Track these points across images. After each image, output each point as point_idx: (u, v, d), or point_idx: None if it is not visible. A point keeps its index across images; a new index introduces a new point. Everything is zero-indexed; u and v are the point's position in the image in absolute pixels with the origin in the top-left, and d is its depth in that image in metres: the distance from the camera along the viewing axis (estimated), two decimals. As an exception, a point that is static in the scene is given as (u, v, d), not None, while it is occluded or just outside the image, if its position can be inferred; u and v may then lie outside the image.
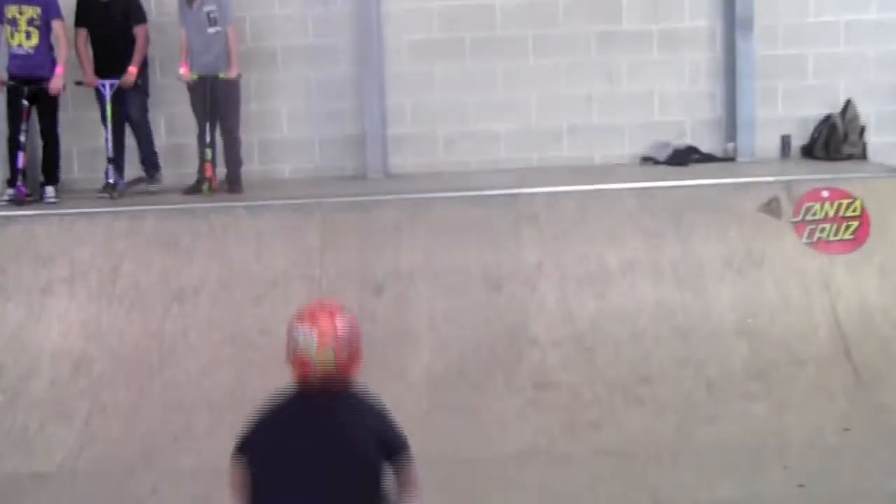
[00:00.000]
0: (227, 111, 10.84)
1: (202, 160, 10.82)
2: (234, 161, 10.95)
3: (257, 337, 8.91)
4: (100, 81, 10.89)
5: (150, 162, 11.31)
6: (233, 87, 10.82)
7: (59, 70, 10.65)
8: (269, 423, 4.17)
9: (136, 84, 10.94)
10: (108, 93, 10.84)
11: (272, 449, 4.07)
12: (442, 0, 11.69)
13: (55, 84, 10.61)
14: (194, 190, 10.81)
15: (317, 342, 4.05)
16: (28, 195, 10.68)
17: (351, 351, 4.15)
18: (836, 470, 7.39)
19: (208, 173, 10.76)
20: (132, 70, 10.89)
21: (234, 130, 10.93)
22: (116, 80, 10.85)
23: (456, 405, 8.34)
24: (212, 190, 10.73)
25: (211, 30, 10.67)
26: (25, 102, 10.53)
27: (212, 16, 10.65)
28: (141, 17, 11.07)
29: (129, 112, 11.08)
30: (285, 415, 4.16)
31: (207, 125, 10.77)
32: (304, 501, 3.97)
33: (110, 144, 10.89)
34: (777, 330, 8.80)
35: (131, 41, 10.99)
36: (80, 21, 10.98)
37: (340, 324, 4.14)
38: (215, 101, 10.75)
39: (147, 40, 11.08)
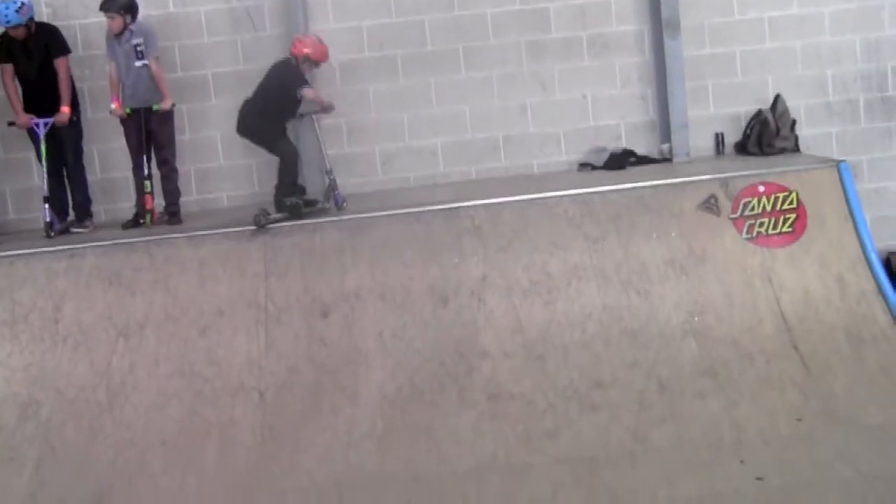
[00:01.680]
0: (162, 142, 10.77)
1: (140, 193, 10.72)
2: (171, 192, 10.86)
3: (206, 368, 8.88)
4: (33, 121, 10.74)
5: (82, 208, 11.10)
6: (167, 117, 10.75)
7: None
8: None
9: (70, 121, 10.80)
10: (41, 132, 10.69)
11: None
12: (371, 19, 11.70)
13: None
14: (134, 223, 10.70)
15: None
16: None
17: None
18: (792, 461, 7.51)
19: (148, 205, 10.67)
20: (65, 110, 10.74)
21: (171, 161, 10.86)
22: (50, 119, 10.70)
23: (411, 423, 8.35)
24: (153, 222, 10.62)
25: (139, 63, 10.60)
26: None
27: (139, 49, 10.57)
28: (62, 49, 10.87)
29: (64, 154, 10.90)
30: None
31: (144, 157, 10.66)
32: None
33: (45, 184, 10.73)
34: (724, 326, 8.90)
35: (56, 75, 10.84)
36: (2, 57, 10.82)
37: None
38: (150, 133, 10.68)
39: (69, 73, 10.90)
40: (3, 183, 11.35)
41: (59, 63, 10.81)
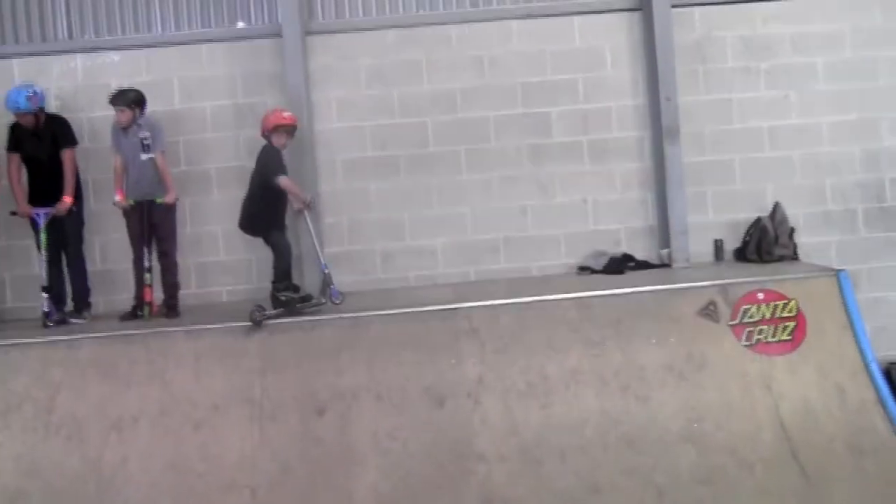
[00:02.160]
0: (164, 235, 10.81)
1: (140, 285, 10.72)
2: (171, 285, 10.85)
3: (199, 463, 8.80)
4: (34, 210, 10.79)
5: (81, 298, 11.12)
6: (170, 211, 10.82)
7: None
8: None
9: (70, 211, 10.85)
10: (42, 222, 10.75)
11: None
12: (374, 119, 11.84)
13: None
14: (132, 315, 10.69)
15: None
16: None
17: None
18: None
19: (147, 297, 10.66)
20: (67, 200, 10.83)
21: (171, 254, 10.88)
22: (51, 209, 10.76)
23: (405, 525, 8.25)
24: (151, 314, 10.61)
25: (144, 156, 10.69)
26: None
27: (145, 142, 10.68)
28: (69, 141, 11.03)
29: (64, 243, 10.95)
30: None
31: (145, 250, 10.69)
32: None
33: (45, 273, 10.74)
34: (722, 434, 8.82)
35: (62, 166, 10.93)
36: (11, 146, 10.92)
37: None
38: (152, 226, 10.73)
39: (75, 164, 11.02)
40: (3, 270, 11.37)
41: (66, 154, 10.93)
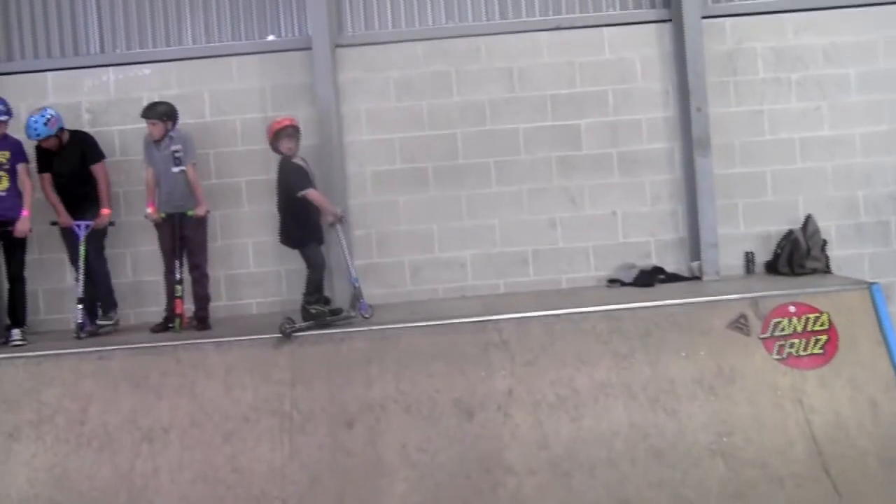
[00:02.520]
0: (195, 247, 10.87)
1: (171, 297, 10.79)
2: (202, 297, 10.91)
3: (229, 475, 8.83)
4: (75, 223, 10.87)
5: (107, 300, 11.17)
6: (201, 223, 10.88)
7: (25, 213, 10.66)
8: None
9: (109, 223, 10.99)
10: (82, 234, 10.81)
11: None
12: (403, 132, 11.86)
13: (22, 226, 10.61)
14: (163, 327, 10.75)
15: None
16: None
17: None
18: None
19: (178, 310, 10.71)
20: (105, 212, 10.97)
21: (203, 266, 10.94)
22: (91, 222, 10.86)
23: (433, 537, 8.25)
24: (182, 326, 10.66)
25: (176, 169, 10.77)
26: None
27: (177, 155, 10.75)
28: (98, 156, 11.13)
29: (87, 251, 10.99)
30: None
31: (176, 262, 10.75)
32: None
33: (81, 285, 10.80)
34: (752, 448, 8.77)
35: (90, 181, 11.03)
36: (41, 167, 11.01)
37: None
38: (184, 238, 10.78)
39: (107, 176, 11.15)
40: (36, 283, 11.40)
41: (97, 169, 11.05)
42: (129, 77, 11.90)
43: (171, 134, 10.84)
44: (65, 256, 11.16)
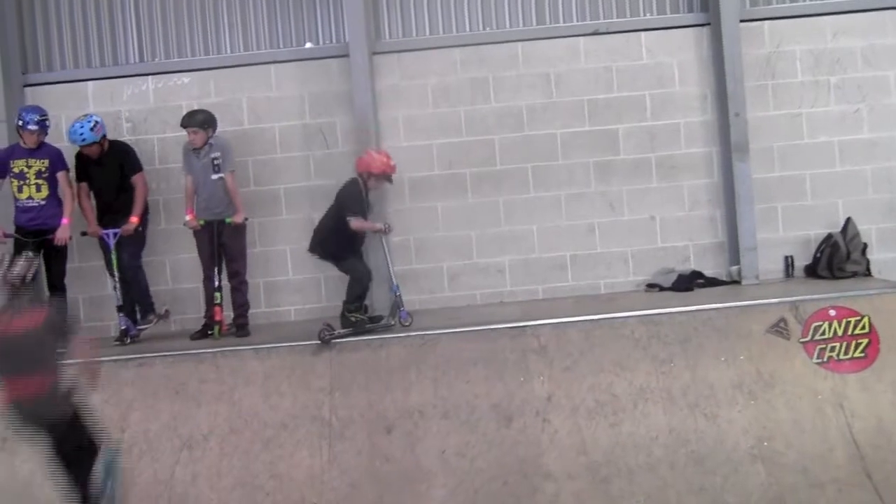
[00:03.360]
0: (233, 254, 10.94)
1: (210, 304, 10.86)
2: (241, 304, 10.98)
3: (268, 481, 8.89)
4: (103, 231, 10.97)
5: (144, 304, 11.24)
6: (239, 230, 10.94)
7: (65, 220, 10.76)
8: None
9: (136, 230, 11.02)
10: (111, 242, 10.91)
11: None
12: (441, 138, 11.87)
13: (62, 234, 10.71)
14: (203, 334, 10.82)
15: None
16: None
17: None
18: None
19: (217, 317, 10.77)
20: (133, 220, 11.00)
21: (241, 273, 11.00)
22: (119, 230, 10.93)
23: (473, 543, 8.25)
24: (221, 333, 10.72)
25: (215, 176, 10.84)
26: (30, 254, 10.65)
27: (216, 162, 10.82)
28: (136, 167, 11.20)
29: (120, 257, 11.07)
30: None
31: (215, 269, 10.82)
32: None
33: (119, 293, 10.92)
34: (793, 453, 8.72)
35: (127, 191, 11.10)
36: (79, 177, 11.12)
37: None
38: (222, 245, 10.86)
39: (146, 187, 11.22)
40: (77, 291, 11.51)
41: (137, 179, 11.14)
42: (168, 86, 11.97)
43: (211, 142, 10.91)
44: (102, 265, 11.23)
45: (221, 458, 9.07)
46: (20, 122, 10.74)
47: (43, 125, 10.85)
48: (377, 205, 11.26)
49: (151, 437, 9.24)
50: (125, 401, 9.45)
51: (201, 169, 10.91)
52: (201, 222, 10.85)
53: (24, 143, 10.77)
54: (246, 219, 10.98)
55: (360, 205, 10.52)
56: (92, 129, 10.84)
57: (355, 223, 10.38)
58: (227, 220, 10.81)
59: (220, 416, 9.33)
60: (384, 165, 10.67)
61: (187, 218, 10.93)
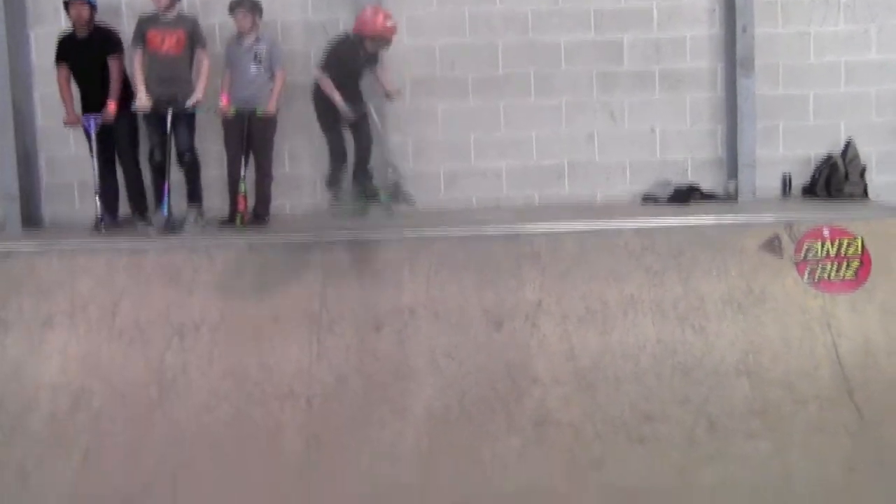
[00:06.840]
0: (261, 147, 10.88)
1: (234, 193, 10.84)
2: (263, 196, 10.98)
3: (257, 372, 8.91)
4: (83, 117, 10.89)
5: (136, 203, 11.23)
6: (269, 124, 10.87)
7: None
8: None
9: (118, 118, 10.85)
10: (92, 129, 10.81)
11: None
12: (444, 38, 11.74)
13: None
14: (229, 221, 10.86)
15: None
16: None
17: None
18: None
19: (241, 206, 10.75)
20: (111, 106, 10.82)
21: (266, 167, 10.96)
22: (99, 115, 10.81)
23: (456, 443, 8.35)
24: (244, 223, 10.72)
25: (254, 68, 10.76)
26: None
27: (258, 55, 10.75)
28: (113, 48, 10.95)
29: (118, 150, 11.06)
30: None
31: (241, 160, 10.78)
32: None
33: (97, 179, 10.86)
34: (779, 368, 8.79)
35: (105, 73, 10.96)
36: (59, 57, 10.95)
37: None
38: (251, 137, 10.79)
39: (122, 71, 10.97)
40: (72, 177, 11.50)
41: (112, 62, 10.92)
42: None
43: (259, 35, 10.82)
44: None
45: (212, 347, 9.10)
46: None
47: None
48: (377, 107, 11.13)
49: (143, 324, 9.24)
50: (117, 287, 9.42)
51: (241, 59, 10.81)
52: (233, 111, 10.76)
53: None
54: (277, 111, 10.88)
55: (338, 64, 10.42)
56: None
57: (323, 81, 10.35)
58: (259, 111, 10.71)
59: (212, 307, 9.32)
60: (379, 27, 10.52)
61: (221, 103, 10.81)
